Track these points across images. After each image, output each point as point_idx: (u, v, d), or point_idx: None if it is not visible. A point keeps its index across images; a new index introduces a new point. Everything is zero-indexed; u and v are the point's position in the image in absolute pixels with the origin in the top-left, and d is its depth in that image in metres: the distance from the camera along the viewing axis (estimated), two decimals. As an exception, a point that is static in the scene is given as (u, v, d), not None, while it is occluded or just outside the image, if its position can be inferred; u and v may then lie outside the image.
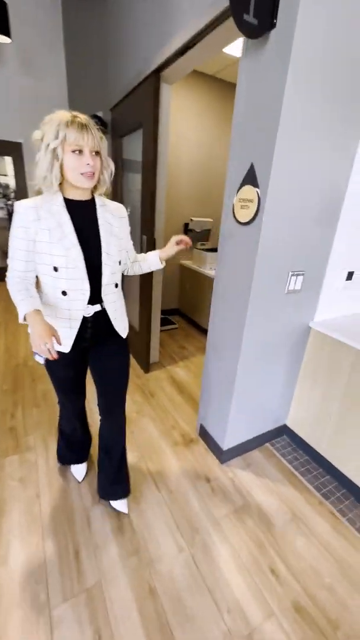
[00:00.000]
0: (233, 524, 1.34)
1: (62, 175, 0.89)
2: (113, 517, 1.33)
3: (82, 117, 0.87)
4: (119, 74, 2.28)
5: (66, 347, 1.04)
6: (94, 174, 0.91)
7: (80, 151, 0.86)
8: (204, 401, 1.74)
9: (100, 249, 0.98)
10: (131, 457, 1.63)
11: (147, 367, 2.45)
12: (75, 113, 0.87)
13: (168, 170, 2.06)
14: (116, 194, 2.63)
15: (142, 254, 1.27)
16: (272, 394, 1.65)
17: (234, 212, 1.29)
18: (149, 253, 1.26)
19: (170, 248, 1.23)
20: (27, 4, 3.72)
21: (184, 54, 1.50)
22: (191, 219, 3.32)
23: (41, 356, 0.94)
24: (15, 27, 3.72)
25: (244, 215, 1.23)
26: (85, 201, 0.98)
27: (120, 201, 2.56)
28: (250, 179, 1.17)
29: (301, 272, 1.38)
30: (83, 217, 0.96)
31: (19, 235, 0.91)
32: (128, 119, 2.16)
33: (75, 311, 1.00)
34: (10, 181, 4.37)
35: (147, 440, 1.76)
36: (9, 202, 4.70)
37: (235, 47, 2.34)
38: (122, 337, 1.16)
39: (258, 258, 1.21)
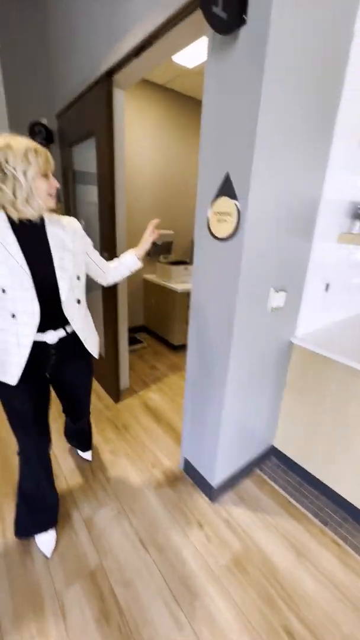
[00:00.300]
0: (235, 577, 1.18)
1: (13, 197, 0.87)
2: (94, 598, 1.09)
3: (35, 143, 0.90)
4: (65, 76, 2.08)
5: (13, 378, 0.97)
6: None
7: (47, 176, 0.91)
8: (186, 432, 1.57)
9: (53, 265, 0.96)
10: (110, 513, 1.39)
11: (117, 395, 2.22)
12: (30, 140, 0.89)
13: (125, 182, 1.90)
14: (68, 207, 2.39)
15: (116, 258, 1.28)
16: (259, 415, 1.54)
17: (209, 227, 1.16)
18: (124, 255, 1.28)
19: (146, 242, 1.27)
20: None
21: (139, 55, 1.36)
22: (151, 232, 3.17)
23: None
24: None
25: (222, 229, 1.10)
26: (32, 219, 0.93)
27: (74, 215, 2.33)
28: (227, 190, 1.05)
29: (283, 288, 1.30)
30: (31, 236, 0.94)
31: None
32: (78, 126, 1.96)
33: (23, 337, 0.95)
34: None
35: (126, 488, 1.54)
36: None
37: (184, 57, 2.29)
38: (91, 355, 1.16)
39: (241, 277, 1.09)
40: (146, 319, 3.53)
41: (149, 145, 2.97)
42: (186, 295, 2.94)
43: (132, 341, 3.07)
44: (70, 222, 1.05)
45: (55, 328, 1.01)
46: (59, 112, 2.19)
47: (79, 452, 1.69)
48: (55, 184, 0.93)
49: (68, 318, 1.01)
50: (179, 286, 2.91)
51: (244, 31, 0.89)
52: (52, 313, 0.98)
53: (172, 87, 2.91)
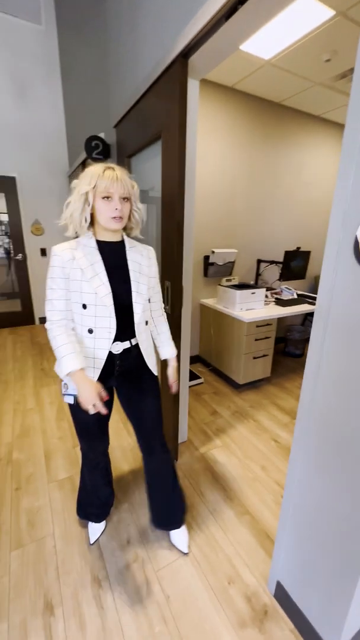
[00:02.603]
0: None
1: (92, 218, 0.99)
2: None
3: (115, 168, 0.94)
4: (124, 81, 1.83)
5: None
6: (121, 217, 0.97)
7: (109, 197, 0.93)
8: (284, 541, 1.07)
9: (130, 288, 1.02)
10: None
11: (174, 450, 1.78)
12: (108, 165, 0.95)
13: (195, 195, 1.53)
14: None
15: (164, 328, 1.23)
16: None
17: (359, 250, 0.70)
18: (167, 341, 1.24)
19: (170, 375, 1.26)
20: (19, 32, 3.44)
21: (230, 17, 0.99)
22: (212, 251, 2.78)
23: (71, 395, 1.04)
24: (6, 58, 3.45)
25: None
26: (116, 242, 1.04)
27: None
28: None
29: None
30: (114, 257, 1.02)
31: (56, 274, 0.96)
32: (138, 131, 1.66)
33: (99, 350, 1.01)
34: (4, 217, 3.92)
35: (194, 621, 1.07)
36: (7, 240, 4.20)
37: (258, 45, 1.90)
38: (153, 374, 1.17)
39: None
40: (202, 349, 3.10)
41: (212, 150, 2.61)
42: (254, 325, 2.45)
43: (190, 376, 2.64)
44: (146, 248, 1.11)
45: (122, 341, 1.05)
46: (117, 122, 1.93)
47: (171, 535, 1.33)
48: (116, 205, 0.93)
49: (137, 337, 1.08)
50: (245, 315, 2.44)
51: None
52: (124, 329, 1.04)
53: (242, 89, 2.55)
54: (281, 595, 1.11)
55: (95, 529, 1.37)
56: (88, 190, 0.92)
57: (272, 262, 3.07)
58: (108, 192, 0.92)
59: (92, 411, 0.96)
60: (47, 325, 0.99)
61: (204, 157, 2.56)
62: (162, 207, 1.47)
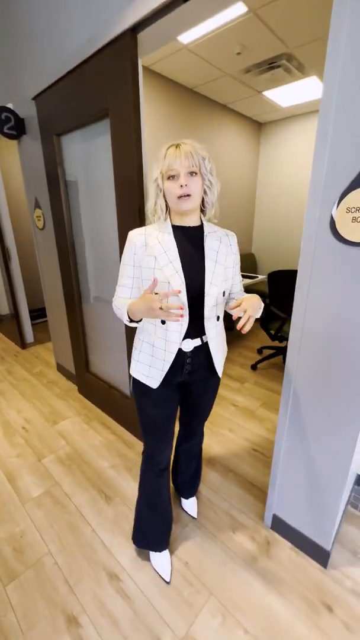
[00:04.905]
0: None
1: (166, 204, 0.91)
2: None
3: (183, 143, 0.85)
4: (43, 47, 1.61)
5: (155, 382, 1.00)
6: (189, 195, 0.86)
7: (175, 176, 0.85)
8: (279, 480, 1.26)
9: (204, 278, 0.92)
10: (213, 621, 1.04)
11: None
12: (177, 142, 0.86)
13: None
14: (62, 221, 1.91)
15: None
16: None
17: (335, 228, 0.86)
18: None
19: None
20: None
21: (177, 6, 1.00)
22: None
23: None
24: None
25: (362, 231, 0.81)
26: (193, 227, 0.95)
27: (64, 231, 1.86)
28: (375, 176, 0.76)
29: None
30: (190, 243, 0.94)
31: (127, 262, 0.94)
32: (72, 107, 1.52)
33: (171, 343, 0.95)
34: None
35: (215, 572, 1.18)
36: None
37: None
38: (218, 375, 1.09)
39: None
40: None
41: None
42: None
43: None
44: (229, 234, 1.01)
45: (193, 337, 0.97)
46: (38, 94, 1.70)
47: (183, 501, 1.44)
48: (181, 182, 0.84)
49: (206, 331, 0.97)
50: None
51: None
52: (194, 323, 0.95)
53: (158, 71, 2.54)
54: (277, 524, 1.31)
55: (164, 562, 1.19)
56: (157, 176, 0.87)
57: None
58: (171, 169, 0.84)
59: (168, 316, 0.78)
60: (113, 307, 0.98)
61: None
62: (116, 191, 1.42)
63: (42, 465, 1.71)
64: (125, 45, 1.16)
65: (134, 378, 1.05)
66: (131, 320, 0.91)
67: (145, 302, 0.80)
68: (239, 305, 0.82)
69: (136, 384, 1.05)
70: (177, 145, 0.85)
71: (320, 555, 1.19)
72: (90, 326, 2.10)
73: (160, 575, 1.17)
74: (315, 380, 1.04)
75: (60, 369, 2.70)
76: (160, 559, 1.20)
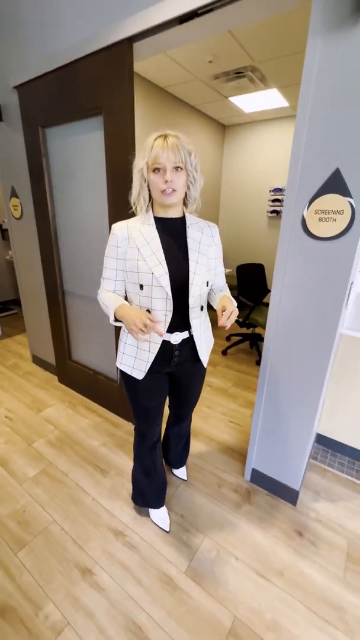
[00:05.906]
0: None
1: (150, 194, 0.93)
2: (252, 660, 0.95)
3: (169, 134, 0.86)
4: (32, 37, 1.63)
5: (140, 374, 1.04)
6: (174, 190, 0.88)
7: (159, 169, 0.86)
8: (259, 440, 1.49)
9: (188, 268, 0.95)
10: (209, 555, 1.23)
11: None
12: (164, 132, 0.87)
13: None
14: (46, 217, 1.94)
15: (224, 290, 1.14)
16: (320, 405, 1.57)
17: (306, 226, 1.08)
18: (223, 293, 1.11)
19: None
20: None
21: (172, 27, 1.14)
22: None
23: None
24: None
25: (326, 229, 1.04)
26: (175, 219, 0.98)
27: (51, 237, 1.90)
28: (336, 186, 0.99)
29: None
30: (172, 235, 0.96)
31: (110, 254, 0.97)
32: (62, 101, 1.57)
33: (155, 335, 0.97)
34: None
35: (207, 518, 1.38)
36: None
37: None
38: (204, 365, 1.13)
39: (350, 279, 1.05)
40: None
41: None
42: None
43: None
44: (211, 225, 1.04)
45: (181, 330, 1.01)
46: (22, 82, 1.71)
47: (174, 471, 1.61)
48: (166, 177, 0.85)
49: (190, 322, 1.00)
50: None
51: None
52: (179, 314, 0.98)
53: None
54: (256, 477, 1.55)
55: (163, 515, 1.35)
56: (142, 166, 0.86)
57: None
58: (157, 162, 0.84)
59: (144, 332, 0.82)
60: (98, 299, 1.02)
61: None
62: (108, 185, 1.52)
63: (33, 448, 1.76)
64: (122, 51, 1.27)
65: (120, 370, 1.10)
66: (116, 320, 0.94)
67: (134, 316, 0.83)
68: (224, 310, 0.89)
69: (124, 375, 1.10)
70: (165, 137, 0.84)
71: (291, 496, 1.45)
72: (72, 314, 2.16)
73: (160, 527, 1.33)
74: (286, 355, 1.27)
75: (37, 360, 2.69)
76: (159, 513, 1.36)
